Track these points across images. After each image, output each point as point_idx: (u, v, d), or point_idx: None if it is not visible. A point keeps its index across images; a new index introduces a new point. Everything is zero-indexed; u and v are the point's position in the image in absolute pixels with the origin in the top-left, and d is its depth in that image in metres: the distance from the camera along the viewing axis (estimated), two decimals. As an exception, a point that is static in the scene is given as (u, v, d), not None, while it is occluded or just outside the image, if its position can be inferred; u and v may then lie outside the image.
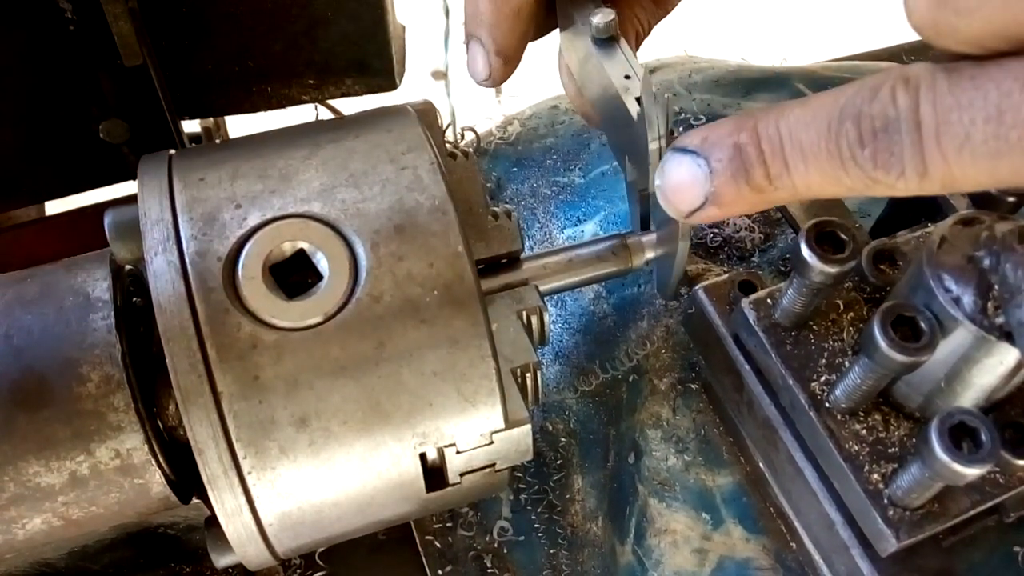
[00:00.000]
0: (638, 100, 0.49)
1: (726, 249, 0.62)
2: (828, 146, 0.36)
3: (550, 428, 0.63)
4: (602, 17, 0.51)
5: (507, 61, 0.53)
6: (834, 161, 0.36)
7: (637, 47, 0.55)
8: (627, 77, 0.50)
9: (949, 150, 0.33)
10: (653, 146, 0.46)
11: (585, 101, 0.58)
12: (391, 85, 0.73)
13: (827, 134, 0.36)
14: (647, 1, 0.56)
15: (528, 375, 0.47)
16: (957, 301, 0.41)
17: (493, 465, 0.46)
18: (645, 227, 0.55)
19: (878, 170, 0.35)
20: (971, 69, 0.32)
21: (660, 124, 0.46)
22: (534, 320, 0.49)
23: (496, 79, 0.54)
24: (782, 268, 0.61)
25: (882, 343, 0.40)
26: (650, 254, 0.54)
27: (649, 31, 0.57)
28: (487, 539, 0.60)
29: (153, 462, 0.44)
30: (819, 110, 0.36)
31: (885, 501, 0.44)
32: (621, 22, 0.52)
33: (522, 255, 0.52)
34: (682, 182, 0.41)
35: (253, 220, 0.44)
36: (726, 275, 0.54)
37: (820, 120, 0.36)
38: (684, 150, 0.41)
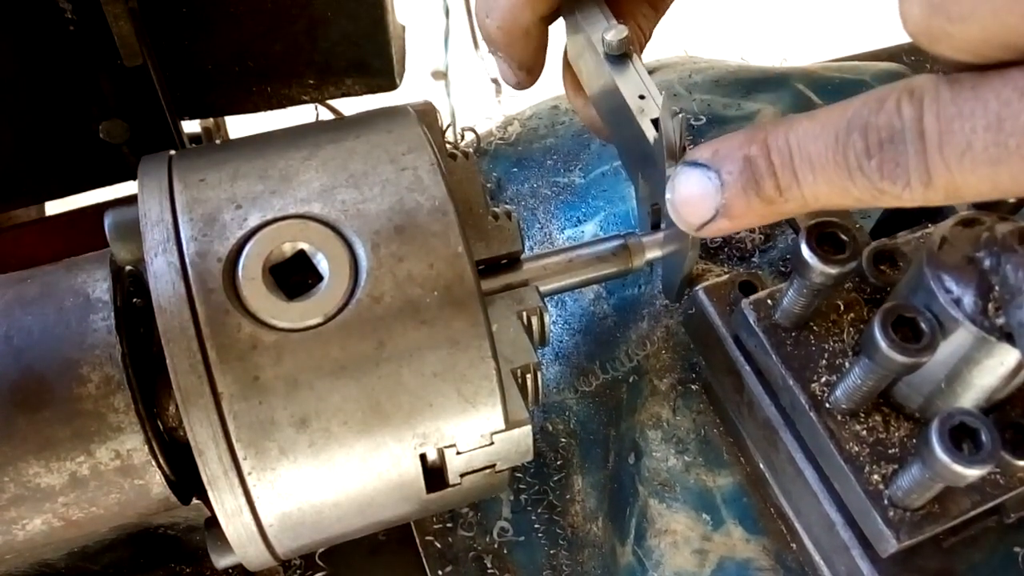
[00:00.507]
0: (654, 122, 0.49)
1: (726, 250, 0.62)
2: (836, 157, 0.36)
3: (550, 428, 0.63)
4: (615, 34, 0.50)
5: (530, 71, 0.57)
6: (842, 172, 0.36)
7: (640, 53, 0.56)
8: (641, 97, 0.50)
9: (952, 159, 0.33)
10: (671, 172, 0.46)
11: (592, 112, 0.58)
12: (391, 85, 0.73)
13: (835, 145, 0.36)
14: (646, 8, 0.56)
15: (528, 376, 0.47)
16: (958, 302, 0.41)
17: (493, 466, 0.46)
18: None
19: (884, 180, 0.35)
20: (972, 79, 0.32)
21: (678, 150, 0.46)
22: (534, 321, 0.49)
23: (526, 85, 0.58)
24: (782, 269, 0.61)
25: (883, 344, 0.40)
26: (650, 255, 0.54)
27: (650, 37, 0.58)
28: (487, 539, 0.60)
29: (153, 463, 0.44)
30: (827, 122, 0.36)
31: (885, 502, 0.44)
32: None
33: (522, 256, 0.52)
34: (693, 195, 0.41)
35: (253, 221, 0.43)
36: (726, 276, 0.54)
37: (828, 132, 0.36)
38: (695, 164, 0.41)
